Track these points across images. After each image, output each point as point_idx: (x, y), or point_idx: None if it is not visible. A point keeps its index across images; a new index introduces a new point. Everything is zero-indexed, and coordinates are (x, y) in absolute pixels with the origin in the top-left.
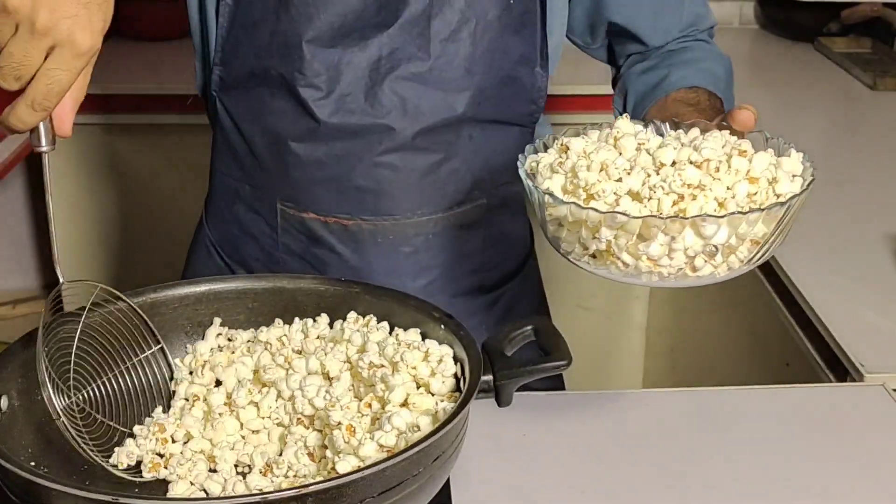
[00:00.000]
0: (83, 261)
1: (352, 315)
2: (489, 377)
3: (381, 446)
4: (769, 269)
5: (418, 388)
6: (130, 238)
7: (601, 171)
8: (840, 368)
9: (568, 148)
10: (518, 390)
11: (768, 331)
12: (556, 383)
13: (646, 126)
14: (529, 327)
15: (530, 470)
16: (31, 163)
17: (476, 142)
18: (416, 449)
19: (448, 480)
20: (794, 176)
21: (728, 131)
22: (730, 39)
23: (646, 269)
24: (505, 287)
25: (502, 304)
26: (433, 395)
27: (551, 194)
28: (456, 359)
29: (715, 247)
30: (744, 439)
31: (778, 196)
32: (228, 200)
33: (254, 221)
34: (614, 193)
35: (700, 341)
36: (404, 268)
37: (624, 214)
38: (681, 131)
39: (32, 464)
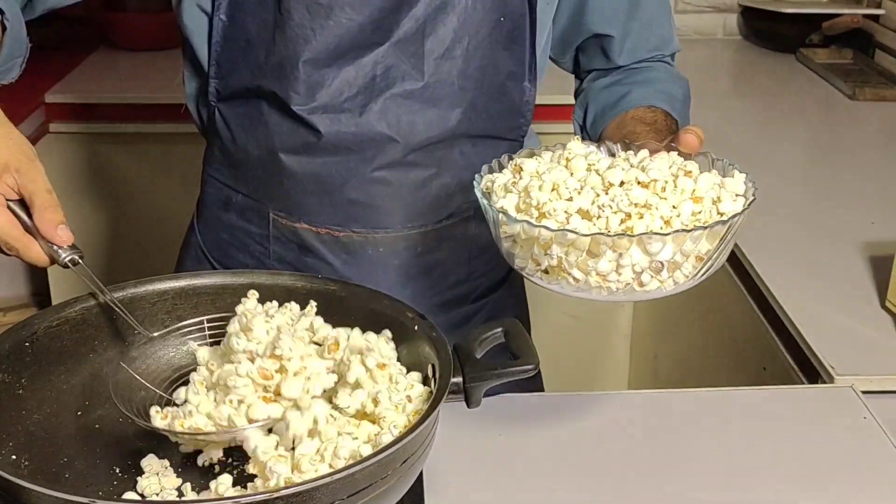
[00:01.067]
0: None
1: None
2: (459, 379)
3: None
4: (746, 276)
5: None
6: (119, 246)
7: (553, 190)
8: (812, 371)
9: (521, 168)
10: (496, 393)
11: (746, 336)
12: (536, 387)
13: (599, 146)
14: (499, 329)
15: (505, 471)
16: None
17: (467, 157)
18: (385, 453)
19: (422, 480)
20: (737, 195)
21: (675, 152)
22: (713, 50)
23: (595, 285)
24: (490, 297)
25: (487, 313)
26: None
27: (505, 213)
28: (426, 361)
29: (661, 263)
30: (721, 439)
31: (721, 215)
32: (220, 207)
33: (245, 229)
34: (565, 212)
35: (682, 348)
36: (393, 278)
37: (574, 232)
38: (630, 152)
39: (14, 457)
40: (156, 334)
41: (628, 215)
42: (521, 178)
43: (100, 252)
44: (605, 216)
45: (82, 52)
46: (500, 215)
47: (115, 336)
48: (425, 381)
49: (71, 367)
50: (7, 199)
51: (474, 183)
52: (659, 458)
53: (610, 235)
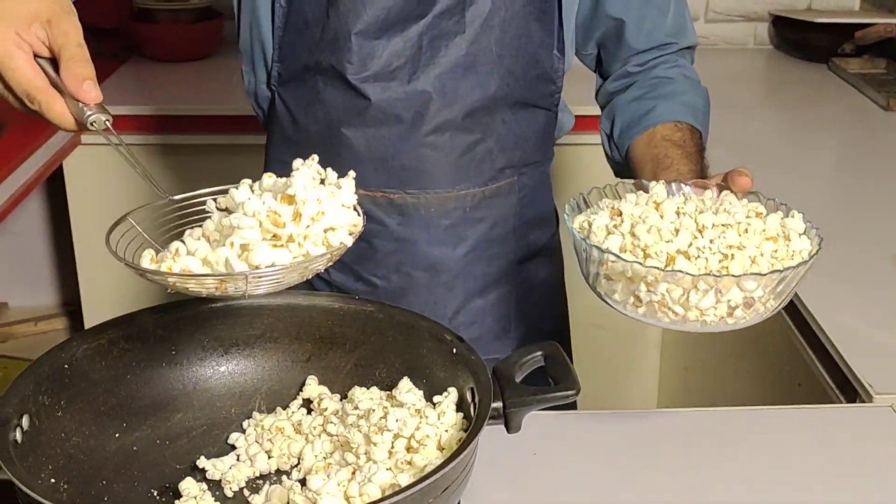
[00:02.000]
0: (110, 276)
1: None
2: (499, 404)
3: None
4: None
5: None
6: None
7: (655, 232)
8: (850, 389)
9: (620, 212)
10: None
11: (780, 352)
12: (569, 403)
13: (669, 185)
14: (539, 353)
15: (540, 490)
16: (51, 185)
17: (508, 125)
18: (425, 483)
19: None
20: (799, 234)
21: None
22: (744, 60)
23: (693, 318)
24: (533, 259)
25: (531, 276)
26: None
27: (614, 254)
28: (464, 384)
29: (753, 298)
30: (754, 459)
31: (791, 253)
32: None
33: None
34: (666, 253)
35: (714, 361)
36: (444, 238)
37: (683, 272)
38: (708, 192)
39: (53, 480)
40: (177, 197)
41: (724, 256)
42: (622, 220)
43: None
44: (705, 257)
45: (113, 63)
46: (607, 255)
47: (152, 357)
48: (461, 402)
49: (109, 388)
50: (37, 56)
51: (566, 218)
52: (692, 478)
53: (716, 276)
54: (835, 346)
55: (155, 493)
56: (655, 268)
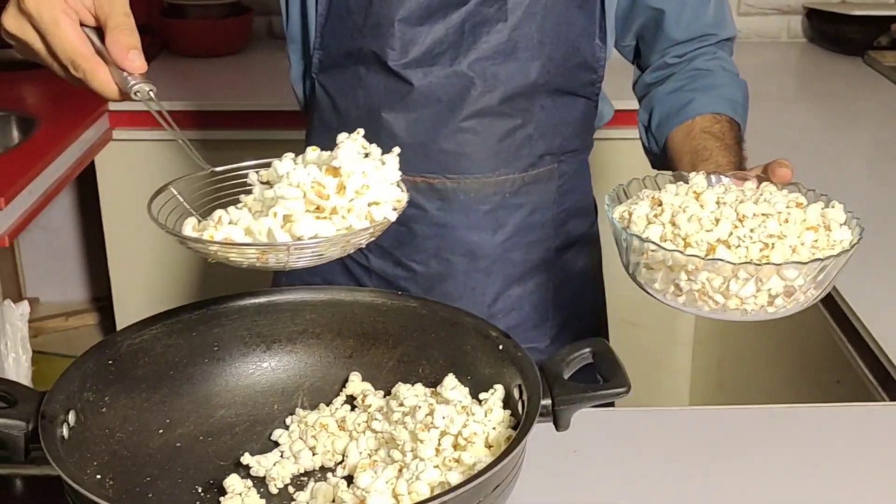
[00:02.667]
0: (141, 272)
1: None
2: (548, 401)
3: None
4: None
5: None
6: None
7: (696, 221)
8: (891, 385)
9: (661, 202)
10: None
11: (818, 347)
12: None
13: (709, 176)
14: (588, 350)
15: (581, 486)
16: (81, 181)
17: (547, 111)
18: (477, 481)
19: None
20: (840, 224)
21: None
22: (777, 53)
23: (733, 307)
24: (571, 248)
25: (569, 265)
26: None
27: (655, 243)
28: (510, 381)
29: (794, 287)
30: (793, 457)
31: (832, 243)
32: None
33: None
34: (707, 242)
35: (747, 357)
36: (483, 223)
37: (723, 261)
38: (748, 183)
39: (99, 476)
40: (219, 168)
41: (765, 244)
42: (662, 210)
43: (170, 254)
44: (746, 245)
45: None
46: (647, 244)
47: (195, 352)
48: (507, 400)
49: (152, 384)
50: (83, 25)
51: (606, 208)
52: (730, 476)
53: (757, 264)
54: (876, 341)
55: (200, 490)
56: (696, 256)
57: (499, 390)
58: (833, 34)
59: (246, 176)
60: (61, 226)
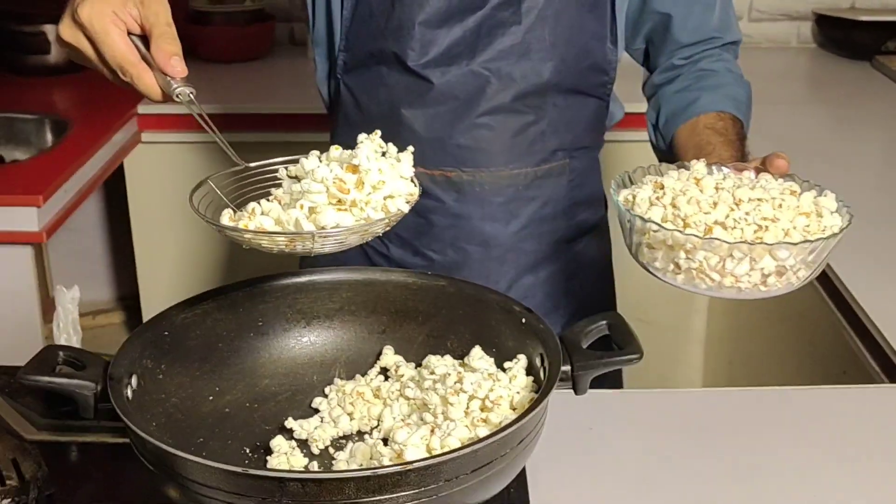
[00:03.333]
0: (168, 271)
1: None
2: (567, 367)
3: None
4: (825, 278)
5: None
6: (219, 248)
7: (693, 205)
8: (894, 372)
9: (663, 186)
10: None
11: (825, 340)
12: (616, 386)
13: (708, 167)
14: (604, 322)
15: (595, 458)
16: (107, 184)
17: (560, 109)
18: (505, 433)
19: (525, 467)
20: (831, 212)
21: (770, 176)
22: (787, 58)
23: (728, 285)
24: (582, 240)
25: (579, 256)
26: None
27: (656, 223)
28: (533, 351)
29: (785, 267)
30: (801, 437)
31: (823, 228)
32: None
33: None
34: (705, 224)
35: (759, 352)
36: (497, 214)
37: (719, 240)
38: (747, 173)
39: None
40: (253, 164)
41: (759, 227)
42: (664, 193)
43: (196, 254)
44: (741, 227)
45: None
46: (649, 224)
47: (241, 327)
48: (530, 369)
49: (203, 355)
50: (130, 34)
51: (612, 192)
52: (741, 455)
53: (750, 244)
54: (881, 331)
55: (247, 451)
56: (694, 236)
57: (522, 359)
58: (842, 39)
59: (276, 171)
60: (90, 227)
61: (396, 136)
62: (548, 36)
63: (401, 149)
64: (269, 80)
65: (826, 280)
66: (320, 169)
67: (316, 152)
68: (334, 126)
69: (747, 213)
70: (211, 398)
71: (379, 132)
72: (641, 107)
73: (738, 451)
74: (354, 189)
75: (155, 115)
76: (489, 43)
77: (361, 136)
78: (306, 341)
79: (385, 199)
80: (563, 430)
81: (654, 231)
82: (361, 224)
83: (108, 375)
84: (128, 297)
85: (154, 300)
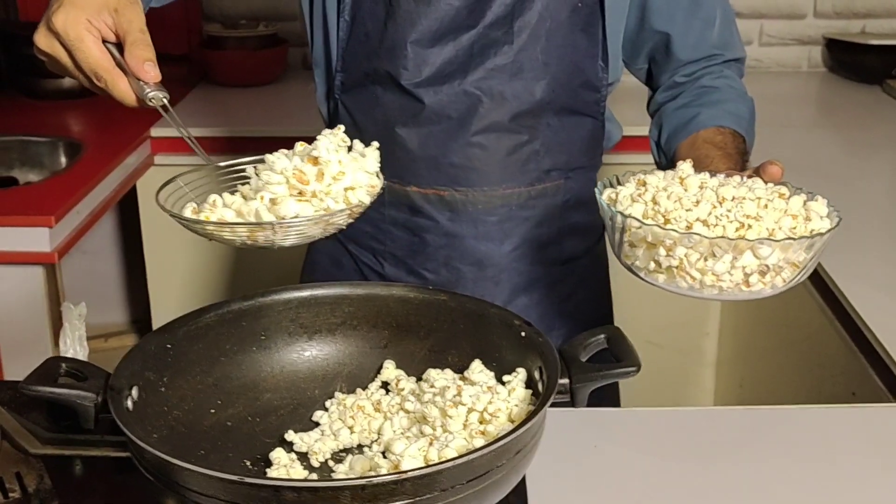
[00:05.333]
0: (179, 294)
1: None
2: (566, 381)
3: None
4: (834, 301)
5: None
6: (229, 265)
7: (674, 201)
8: None
9: (645, 183)
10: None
11: (834, 362)
12: (614, 404)
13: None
14: (602, 336)
15: (599, 476)
16: (120, 207)
17: (553, 129)
18: (501, 443)
19: (525, 479)
20: (821, 217)
21: (760, 181)
22: (798, 83)
23: (709, 284)
24: (577, 262)
25: (574, 278)
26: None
27: (636, 218)
28: (532, 364)
29: (767, 266)
30: (805, 456)
31: (811, 231)
32: None
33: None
34: (686, 220)
35: (769, 374)
36: (492, 233)
37: (699, 235)
38: (736, 177)
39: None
40: (222, 164)
41: (741, 224)
42: (646, 190)
43: (208, 277)
44: (723, 224)
45: (184, 88)
46: (630, 220)
47: (244, 341)
48: (529, 382)
49: (205, 368)
50: (105, 41)
51: (596, 192)
52: (750, 474)
53: (730, 239)
54: (888, 352)
55: (248, 464)
56: (673, 230)
57: (521, 373)
58: (852, 63)
59: (245, 170)
60: (102, 249)
61: (391, 154)
62: (540, 55)
63: (396, 172)
64: (282, 104)
65: (835, 302)
66: (280, 161)
67: (284, 151)
68: None
69: (729, 211)
70: (213, 411)
71: (342, 127)
72: (641, 130)
73: (744, 470)
74: (314, 180)
75: (168, 138)
76: (481, 62)
77: (324, 131)
78: (308, 355)
79: (346, 190)
80: (567, 446)
81: (636, 228)
82: (321, 215)
83: (109, 386)
84: (141, 319)
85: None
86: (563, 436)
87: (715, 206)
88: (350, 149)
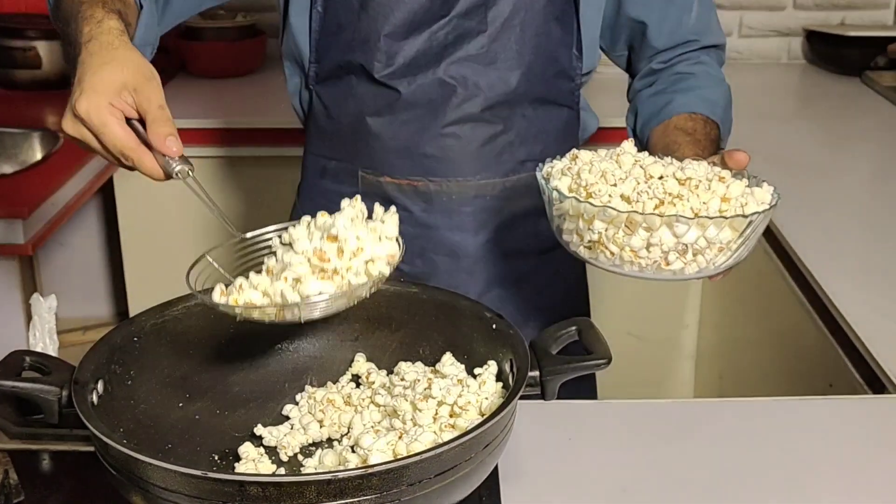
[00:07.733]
0: (158, 287)
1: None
2: (536, 373)
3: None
4: (812, 294)
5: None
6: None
7: (601, 177)
8: (880, 387)
9: (577, 157)
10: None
11: (812, 354)
12: (591, 395)
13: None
14: (574, 328)
15: (573, 468)
16: (104, 195)
17: (528, 119)
18: (469, 436)
19: (497, 474)
20: (761, 203)
21: (719, 166)
22: (777, 74)
23: (628, 259)
24: (553, 253)
25: (550, 270)
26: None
27: (559, 191)
28: (503, 357)
29: (685, 245)
30: (785, 447)
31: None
32: (317, 176)
33: (338, 190)
34: (608, 195)
35: (747, 367)
36: (465, 224)
37: (612, 209)
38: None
39: (125, 441)
40: (248, 235)
41: (661, 202)
42: (576, 164)
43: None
44: (642, 201)
45: (162, 80)
46: (554, 192)
47: (213, 336)
48: (500, 375)
49: (173, 362)
50: (127, 118)
51: (536, 168)
52: (728, 466)
53: (643, 214)
54: (865, 345)
55: (216, 458)
56: (589, 204)
57: (492, 365)
58: (832, 55)
59: (270, 239)
60: (81, 242)
61: (364, 146)
62: (514, 44)
63: (370, 162)
64: (260, 95)
65: (812, 294)
66: (301, 242)
67: (307, 218)
68: (308, 138)
69: (650, 188)
70: (180, 405)
71: (359, 197)
72: (615, 121)
73: (721, 461)
74: (335, 257)
75: None
76: (454, 51)
77: (344, 202)
78: (278, 348)
79: (367, 263)
80: (541, 440)
81: (558, 200)
82: (344, 290)
83: (74, 380)
84: (120, 313)
85: None
86: (538, 429)
87: (639, 183)
88: (371, 215)
